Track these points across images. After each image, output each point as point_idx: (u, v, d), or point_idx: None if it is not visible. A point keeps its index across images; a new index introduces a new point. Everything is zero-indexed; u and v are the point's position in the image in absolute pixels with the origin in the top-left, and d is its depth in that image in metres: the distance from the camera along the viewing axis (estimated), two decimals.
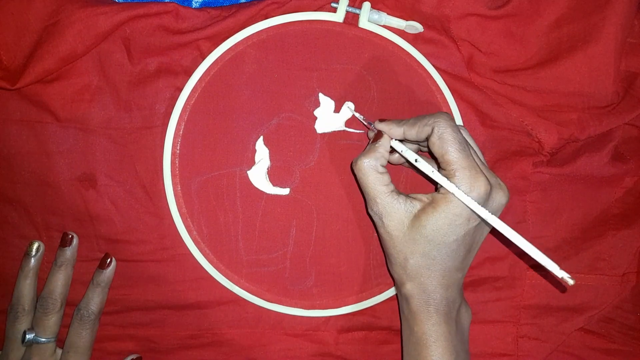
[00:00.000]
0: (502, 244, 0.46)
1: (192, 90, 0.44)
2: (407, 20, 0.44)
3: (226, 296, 0.45)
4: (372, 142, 0.39)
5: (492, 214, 0.36)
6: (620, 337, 0.47)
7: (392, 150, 0.41)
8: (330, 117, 0.44)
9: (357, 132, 0.45)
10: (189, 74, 0.44)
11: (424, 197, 0.37)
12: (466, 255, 0.38)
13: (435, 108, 0.45)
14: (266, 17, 0.44)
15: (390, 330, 0.47)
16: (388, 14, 0.44)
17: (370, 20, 0.44)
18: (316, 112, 0.45)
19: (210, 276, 0.45)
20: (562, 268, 0.34)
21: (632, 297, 0.47)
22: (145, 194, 0.45)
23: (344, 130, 0.45)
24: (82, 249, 0.45)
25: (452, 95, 0.45)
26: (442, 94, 0.45)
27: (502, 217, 0.45)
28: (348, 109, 0.44)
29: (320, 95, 0.44)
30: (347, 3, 0.44)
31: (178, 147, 0.44)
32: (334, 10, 0.44)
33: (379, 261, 0.46)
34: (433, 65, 0.44)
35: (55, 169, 0.44)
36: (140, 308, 0.46)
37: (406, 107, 0.45)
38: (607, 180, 0.47)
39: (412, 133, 0.38)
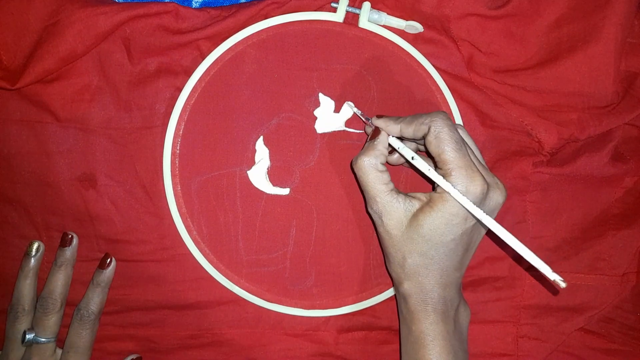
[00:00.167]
0: (496, 244, 0.46)
1: (192, 90, 0.44)
2: (407, 20, 0.44)
3: (226, 296, 0.45)
4: (370, 139, 0.39)
5: (488, 213, 0.36)
6: (620, 337, 0.47)
7: (392, 151, 0.40)
8: (330, 117, 0.44)
9: (357, 132, 0.45)
10: (189, 74, 0.44)
11: (423, 196, 0.37)
12: (464, 255, 0.38)
13: (435, 108, 0.45)
14: (266, 17, 0.44)
15: (390, 330, 0.47)
16: (388, 13, 0.44)
17: (370, 20, 0.44)
18: (316, 112, 0.45)
19: (210, 276, 0.45)
20: (554, 271, 0.34)
21: (632, 297, 0.47)
22: (145, 194, 0.45)
23: (344, 130, 0.45)
24: (82, 249, 0.45)
25: (452, 95, 0.45)
26: (442, 94, 0.45)
27: (501, 217, 0.46)
28: (348, 108, 0.44)
29: (320, 95, 0.44)
30: (347, 3, 0.44)
31: (178, 147, 0.44)
32: (334, 10, 0.44)
33: (379, 261, 0.46)
34: (433, 65, 0.44)
35: (55, 169, 0.44)
36: (140, 308, 0.46)
37: (406, 106, 0.45)
38: (607, 180, 0.47)
39: (408, 131, 0.38)
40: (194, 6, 0.46)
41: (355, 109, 0.43)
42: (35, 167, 0.44)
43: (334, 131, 0.45)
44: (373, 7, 0.44)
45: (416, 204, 0.37)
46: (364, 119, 0.43)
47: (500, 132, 0.46)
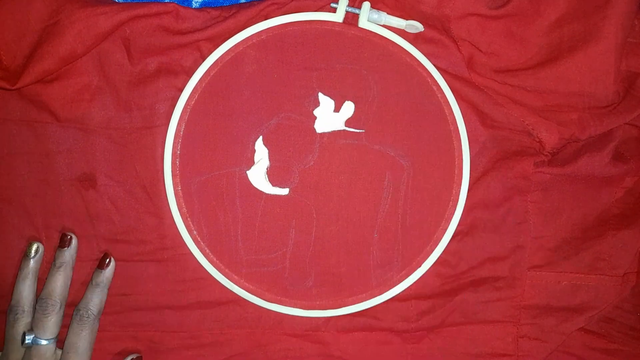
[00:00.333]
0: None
1: (193, 90, 0.44)
2: (407, 19, 0.44)
3: (226, 296, 0.45)
4: None
5: None
6: (620, 337, 0.47)
7: None
8: (330, 117, 0.44)
9: (357, 132, 0.45)
10: (189, 74, 0.44)
11: None
12: None
13: (435, 108, 0.45)
14: (266, 18, 0.44)
15: (391, 331, 0.47)
16: (388, 13, 0.44)
17: (370, 20, 0.44)
18: (316, 112, 0.45)
19: (210, 276, 0.45)
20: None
21: (632, 297, 0.47)
22: (145, 194, 0.45)
23: (343, 130, 0.45)
24: (82, 249, 0.45)
25: (453, 95, 0.45)
26: (443, 93, 0.45)
27: (503, 218, 0.46)
28: (348, 108, 0.44)
29: (320, 95, 0.44)
30: (346, 3, 0.44)
31: (178, 147, 0.44)
32: (334, 10, 0.44)
33: (379, 261, 0.46)
34: (433, 65, 0.44)
35: (55, 169, 0.44)
36: (140, 308, 0.46)
37: (406, 107, 0.45)
38: (607, 180, 0.47)
39: None
40: (194, 6, 0.46)
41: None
42: (35, 167, 0.44)
43: (334, 131, 0.45)
44: (373, 6, 0.44)
45: None
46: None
47: (501, 132, 0.46)
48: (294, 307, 0.45)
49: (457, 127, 0.45)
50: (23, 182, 0.45)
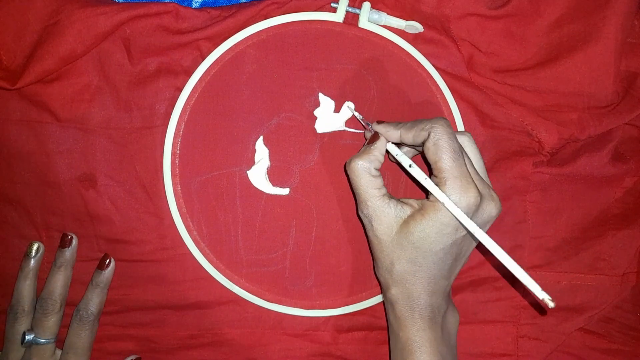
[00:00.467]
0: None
1: (192, 90, 0.44)
2: (407, 20, 0.44)
3: (226, 296, 0.45)
4: (367, 144, 0.39)
5: (481, 225, 0.35)
6: (620, 337, 0.47)
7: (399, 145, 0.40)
8: (330, 117, 0.44)
9: (357, 132, 0.45)
10: (189, 74, 0.44)
11: (415, 203, 0.37)
12: (453, 264, 0.38)
13: (435, 108, 0.45)
14: (266, 17, 0.44)
15: None
16: (388, 13, 0.44)
17: (370, 20, 0.44)
18: (316, 112, 0.45)
19: (210, 276, 0.45)
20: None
21: (632, 297, 0.47)
22: (145, 194, 0.45)
23: (344, 130, 0.45)
24: (82, 249, 0.45)
25: (452, 95, 0.45)
26: (442, 94, 0.45)
27: (502, 218, 0.46)
28: (348, 109, 0.44)
29: (320, 95, 0.44)
30: (347, 3, 0.44)
31: (178, 147, 0.44)
32: (334, 10, 0.44)
33: None
34: (433, 65, 0.44)
35: (55, 169, 0.44)
36: (140, 308, 0.46)
37: (406, 107, 0.45)
38: (607, 180, 0.47)
39: (408, 137, 0.37)
40: (194, 6, 0.46)
41: (356, 113, 0.43)
42: (35, 167, 0.44)
43: (334, 131, 0.45)
44: (373, 7, 0.44)
45: (407, 210, 0.37)
46: (363, 124, 0.43)
47: (501, 132, 0.46)
48: (294, 306, 0.45)
49: (457, 127, 0.45)
50: (23, 182, 0.45)
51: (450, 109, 0.45)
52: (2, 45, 0.42)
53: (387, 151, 0.39)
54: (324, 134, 0.45)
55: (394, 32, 0.44)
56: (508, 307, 0.47)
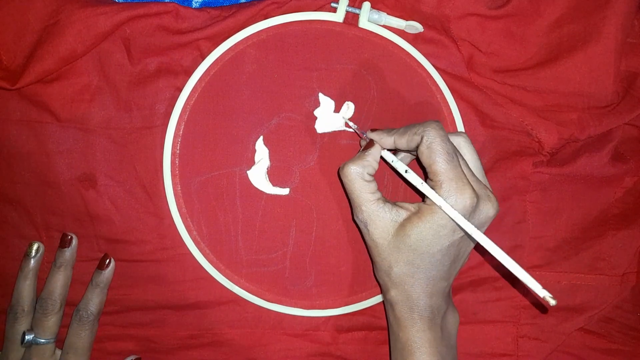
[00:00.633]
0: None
1: (192, 90, 0.44)
2: (407, 20, 0.44)
3: (226, 296, 0.45)
4: (362, 150, 0.39)
5: (478, 226, 0.36)
6: (620, 337, 0.47)
7: (395, 152, 0.40)
8: (330, 117, 0.44)
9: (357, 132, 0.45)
10: (189, 74, 0.44)
11: (411, 207, 0.37)
12: (451, 265, 0.38)
13: (435, 108, 0.45)
14: (266, 17, 0.44)
15: None
16: (388, 13, 0.44)
17: (370, 20, 0.44)
18: (316, 112, 0.45)
19: (210, 276, 0.45)
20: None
21: (632, 297, 0.47)
22: (145, 194, 0.45)
23: (344, 130, 0.45)
24: (82, 249, 0.45)
25: (452, 95, 0.45)
26: (442, 94, 0.45)
27: (501, 218, 0.46)
28: (348, 108, 0.44)
29: (320, 95, 0.44)
30: (347, 3, 0.44)
31: (178, 147, 0.44)
32: (334, 10, 0.44)
33: None
34: (433, 65, 0.44)
35: (55, 169, 0.44)
36: (140, 308, 0.46)
37: (406, 107, 0.45)
38: (607, 180, 0.47)
39: (402, 142, 0.38)
40: (194, 6, 0.46)
41: (351, 123, 0.43)
42: (35, 167, 0.44)
43: (334, 131, 0.45)
44: (373, 7, 0.44)
45: (403, 214, 0.37)
46: (358, 133, 0.43)
47: (500, 132, 0.46)
48: (294, 306, 0.45)
49: (457, 127, 0.45)
50: (23, 182, 0.45)
51: (450, 109, 0.45)
52: (2, 45, 0.42)
53: (382, 159, 0.39)
54: (324, 134, 0.45)
55: (394, 32, 0.44)
56: (508, 307, 0.47)
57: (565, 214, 0.47)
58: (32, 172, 0.44)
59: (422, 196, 0.37)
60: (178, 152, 0.44)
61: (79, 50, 0.42)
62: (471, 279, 0.47)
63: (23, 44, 0.43)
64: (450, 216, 0.35)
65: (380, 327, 0.47)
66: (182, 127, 0.44)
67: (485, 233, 0.36)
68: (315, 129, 0.45)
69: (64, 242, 0.44)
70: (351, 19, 0.45)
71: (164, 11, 0.43)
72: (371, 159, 0.38)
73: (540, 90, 0.45)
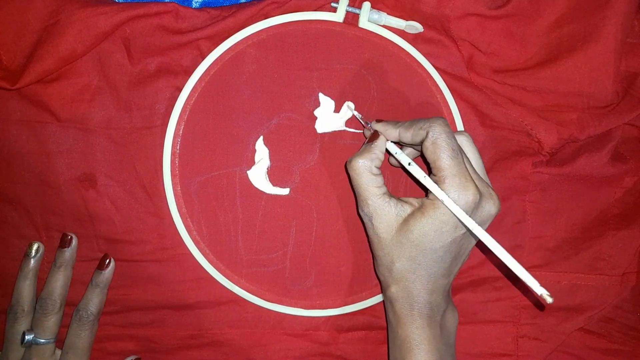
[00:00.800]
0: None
1: (192, 90, 0.44)
2: (407, 20, 0.44)
3: (226, 296, 0.45)
4: (367, 142, 0.39)
5: (480, 223, 0.36)
6: (620, 337, 0.47)
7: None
8: (330, 117, 0.44)
9: (357, 132, 0.45)
10: (188, 73, 0.44)
11: (415, 202, 0.37)
12: (452, 262, 0.38)
13: (435, 108, 0.45)
14: (266, 17, 0.44)
15: None
16: (388, 13, 0.44)
17: (370, 20, 0.44)
18: (316, 112, 0.45)
19: (210, 276, 0.45)
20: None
21: (632, 297, 0.47)
22: (145, 194, 0.45)
23: (344, 130, 0.45)
24: (82, 249, 0.45)
25: (452, 95, 0.45)
26: (442, 94, 0.45)
27: (501, 218, 0.46)
28: (348, 109, 0.44)
29: (320, 95, 0.44)
30: (347, 3, 0.44)
31: (178, 147, 0.44)
32: (334, 10, 0.44)
33: None
34: (433, 65, 0.44)
35: (55, 169, 0.44)
36: (140, 308, 0.46)
37: (406, 107, 0.45)
38: (606, 180, 0.47)
39: (407, 136, 0.38)
40: (194, 6, 0.46)
41: (355, 112, 0.43)
42: (35, 167, 0.44)
43: (334, 131, 0.45)
44: (373, 7, 0.44)
45: (407, 209, 0.37)
46: (363, 123, 0.43)
47: (500, 132, 0.46)
48: (294, 306, 0.45)
49: (457, 127, 0.45)
50: (23, 182, 0.45)
51: (450, 109, 0.45)
52: (2, 45, 0.42)
53: (387, 151, 0.39)
54: (324, 134, 0.45)
55: (394, 32, 0.44)
56: (508, 307, 0.47)
57: (565, 214, 0.47)
58: (32, 172, 0.44)
59: (425, 191, 0.37)
60: (178, 152, 0.44)
61: (79, 50, 0.42)
62: (471, 278, 0.47)
63: (23, 44, 0.43)
64: (452, 211, 0.35)
65: (380, 327, 0.47)
66: (182, 127, 0.44)
67: (485, 231, 0.36)
68: (315, 129, 0.45)
69: (64, 242, 0.44)
70: (351, 19, 0.45)
71: (164, 11, 0.43)
72: (378, 151, 0.38)
73: (540, 90, 0.45)
